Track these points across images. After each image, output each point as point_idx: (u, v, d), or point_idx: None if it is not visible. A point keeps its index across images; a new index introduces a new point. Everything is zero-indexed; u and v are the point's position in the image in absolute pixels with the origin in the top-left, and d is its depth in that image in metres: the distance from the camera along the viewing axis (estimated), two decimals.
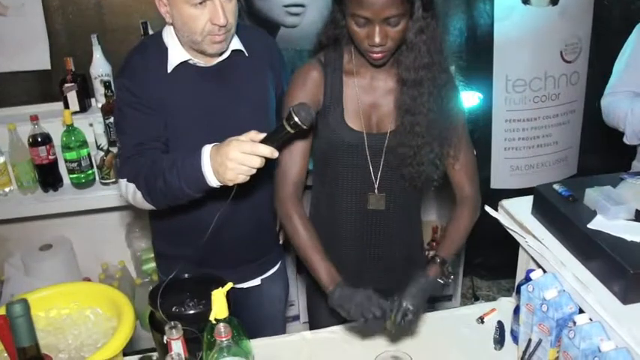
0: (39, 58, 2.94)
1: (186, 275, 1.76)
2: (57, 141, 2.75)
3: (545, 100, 3.31)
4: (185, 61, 1.82)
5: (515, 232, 1.81)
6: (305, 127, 1.50)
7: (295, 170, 1.83)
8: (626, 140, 2.40)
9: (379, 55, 1.69)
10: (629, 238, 1.51)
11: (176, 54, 1.81)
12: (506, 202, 1.90)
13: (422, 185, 1.91)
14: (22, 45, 2.89)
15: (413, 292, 1.76)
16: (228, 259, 2.03)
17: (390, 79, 1.84)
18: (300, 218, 1.82)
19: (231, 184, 1.56)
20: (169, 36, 1.83)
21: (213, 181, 1.59)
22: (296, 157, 1.83)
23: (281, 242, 2.30)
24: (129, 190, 1.78)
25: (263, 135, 1.54)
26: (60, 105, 2.89)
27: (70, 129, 2.69)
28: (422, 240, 2.18)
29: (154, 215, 1.97)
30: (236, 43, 1.87)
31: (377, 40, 1.63)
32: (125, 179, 1.78)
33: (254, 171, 1.54)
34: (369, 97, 1.85)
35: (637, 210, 1.60)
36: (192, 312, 1.60)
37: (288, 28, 3.07)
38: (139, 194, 1.75)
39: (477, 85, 3.21)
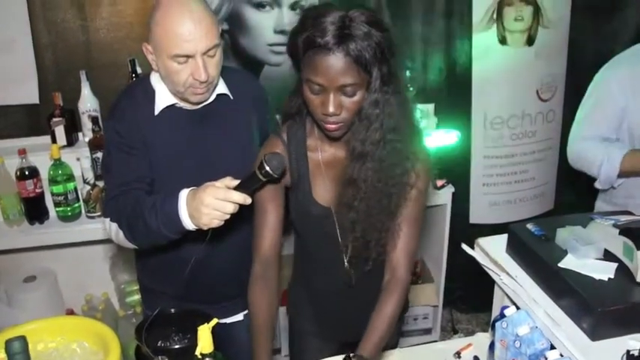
0: (28, 93, 2.97)
1: (172, 310, 1.79)
2: (44, 174, 2.78)
3: (523, 138, 3.39)
4: (172, 105, 1.87)
5: (490, 269, 1.86)
6: (276, 175, 1.55)
7: (264, 247, 1.80)
8: (599, 185, 2.43)
9: (333, 126, 1.60)
10: (597, 276, 1.58)
11: (163, 97, 1.86)
12: (481, 241, 1.95)
13: (368, 260, 1.78)
14: (11, 79, 2.92)
15: None
16: (210, 295, 2.07)
17: (347, 151, 1.72)
18: (260, 299, 1.78)
19: (205, 228, 1.62)
20: (157, 80, 1.87)
21: (189, 225, 1.65)
22: (267, 232, 1.79)
23: None
24: (112, 229, 1.83)
25: (237, 181, 1.59)
26: (48, 139, 2.92)
27: (57, 163, 2.73)
28: None
29: (138, 251, 2.00)
30: (221, 87, 1.91)
31: (330, 109, 1.54)
32: (109, 219, 1.83)
33: (227, 216, 1.59)
34: (333, 171, 1.77)
35: (605, 249, 1.67)
36: (177, 346, 1.63)
37: (273, 67, 3.15)
38: (121, 234, 1.80)
39: (456, 122, 3.27)
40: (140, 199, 1.77)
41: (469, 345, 1.99)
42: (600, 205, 2.58)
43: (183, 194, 1.64)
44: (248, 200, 1.58)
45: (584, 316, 1.51)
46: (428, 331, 3.54)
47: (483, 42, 3.23)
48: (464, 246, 1.95)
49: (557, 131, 3.50)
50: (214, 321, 1.54)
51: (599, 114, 2.42)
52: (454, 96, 3.38)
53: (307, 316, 2.05)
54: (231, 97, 1.95)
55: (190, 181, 1.68)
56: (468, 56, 3.28)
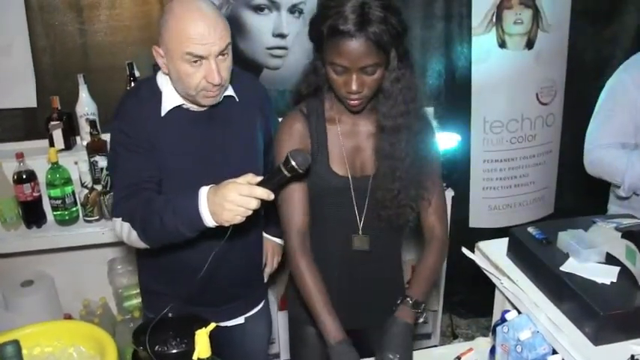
0: (25, 96, 2.96)
1: (169, 315, 1.78)
2: (42, 178, 2.76)
3: (522, 141, 3.39)
4: (178, 106, 1.87)
5: (491, 273, 1.85)
6: (301, 171, 1.57)
7: (297, 220, 1.85)
8: (623, 193, 2.36)
9: (356, 102, 1.75)
10: (599, 280, 1.56)
11: (170, 99, 1.87)
12: (482, 244, 1.94)
13: (400, 226, 1.95)
14: (9, 83, 2.91)
15: (394, 341, 1.75)
16: (216, 297, 2.06)
17: (370, 123, 1.90)
18: (307, 270, 1.82)
19: (227, 224, 1.61)
20: (164, 81, 1.88)
21: (209, 222, 1.63)
22: (296, 206, 1.85)
23: (265, 281, 2.34)
24: (124, 230, 1.81)
25: (260, 178, 1.59)
26: (45, 142, 2.91)
27: (55, 166, 2.71)
28: (403, 280, 2.21)
29: (142, 252, 1.98)
30: (228, 90, 1.92)
31: (354, 87, 1.69)
32: (120, 218, 1.82)
33: (250, 212, 1.59)
34: (351, 142, 1.90)
35: (607, 253, 1.66)
36: (175, 351, 1.62)
37: (271, 70, 3.14)
38: (134, 233, 1.79)
39: (456, 126, 3.27)
40: (153, 198, 1.77)
41: (470, 350, 1.98)
42: (616, 209, 2.51)
43: (204, 191, 1.63)
44: (271, 196, 1.58)
45: (586, 321, 1.49)
46: (427, 336, 3.53)
47: (483, 45, 3.23)
48: (464, 250, 1.94)
49: (557, 135, 3.50)
50: (212, 325, 1.52)
51: (617, 119, 2.37)
52: (453, 100, 3.38)
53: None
54: (237, 99, 1.96)
55: (197, 181, 1.68)
56: (468, 60, 3.27)
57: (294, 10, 3.09)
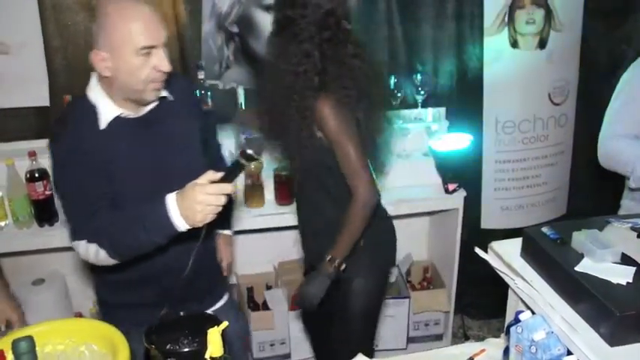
0: (38, 95, 2.98)
1: (181, 313, 1.78)
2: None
3: (534, 142, 3.37)
4: (117, 116, 1.88)
5: (504, 273, 1.83)
6: (258, 157, 1.65)
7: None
8: (633, 184, 2.38)
9: None
10: (615, 280, 1.54)
11: (107, 110, 1.87)
12: (495, 244, 1.93)
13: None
14: (22, 82, 2.93)
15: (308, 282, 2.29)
16: (180, 296, 2.03)
17: None
18: None
19: (201, 224, 1.68)
20: (96, 95, 1.88)
21: (182, 227, 1.69)
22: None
23: (225, 274, 2.39)
24: (90, 251, 1.81)
25: (219, 175, 1.65)
26: None
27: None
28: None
29: (97, 268, 1.97)
30: (162, 91, 1.95)
31: None
32: (84, 241, 1.81)
33: (220, 209, 1.66)
34: None
35: (623, 253, 1.64)
36: (187, 350, 1.62)
37: None
38: (102, 253, 1.79)
39: (468, 126, 3.26)
40: (117, 215, 1.80)
41: (482, 350, 1.97)
42: (628, 204, 2.53)
43: (171, 198, 1.68)
44: (235, 189, 1.67)
45: (602, 321, 1.47)
46: (439, 337, 3.52)
47: (495, 45, 3.22)
48: (477, 250, 1.93)
49: (569, 135, 3.49)
50: (224, 324, 1.53)
51: (629, 111, 2.39)
52: (465, 100, 3.37)
53: None
54: (171, 99, 1.99)
55: (149, 187, 1.76)
56: (480, 60, 3.27)
57: None
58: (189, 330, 1.66)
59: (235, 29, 3.08)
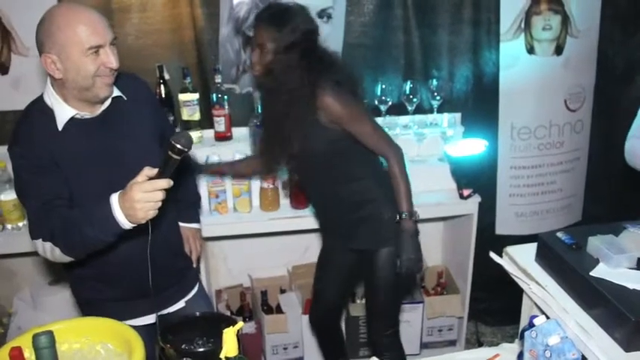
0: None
1: (197, 313, 1.80)
2: None
3: (550, 148, 3.37)
4: (72, 117, 1.92)
5: (519, 278, 1.83)
6: (187, 150, 1.66)
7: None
8: None
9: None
10: (630, 286, 1.54)
11: (63, 111, 1.91)
12: (510, 249, 1.93)
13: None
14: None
15: (408, 245, 2.42)
16: (149, 288, 2.01)
17: None
18: None
19: (144, 221, 1.73)
20: (52, 97, 1.93)
21: (126, 225, 1.75)
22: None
23: (195, 265, 2.43)
24: (46, 249, 1.88)
25: (155, 170, 1.70)
26: None
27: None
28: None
29: (70, 266, 2.04)
30: (115, 91, 2.00)
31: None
32: (40, 239, 1.88)
33: (159, 204, 1.71)
34: None
35: (639, 258, 1.63)
36: (202, 349, 1.63)
37: None
38: (57, 250, 1.86)
39: (483, 132, 3.26)
40: (67, 214, 1.85)
41: (496, 355, 1.96)
42: None
43: (114, 199, 1.73)
44: (171, 183, 1.71)
45: (617, 327, 1.47)
46: (452, 343, 3.51)
47: (511, 51, 3.22)
48: (492, 255, 1.93)
49: (585, 142, 3.47)
50: (240, 324, 1.53)
51: None
52: (481, 105, 3.36)
53: None
54: (125, 99, 2.03)
55: (107, 185, 1.78)
56: (496, 65, 3.26)
57: (322, 14, 3.10)
58: (204, 330, 1.68)
59: (252, 33, 3.09)
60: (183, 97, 2.99)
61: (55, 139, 1.91)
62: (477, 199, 3.18)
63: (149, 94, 2.24)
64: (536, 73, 3.26)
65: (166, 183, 1.69)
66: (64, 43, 1.81)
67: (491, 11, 3.21)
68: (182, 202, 2.36)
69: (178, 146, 1.64)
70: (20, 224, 2.82)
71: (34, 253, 2.88)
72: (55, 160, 1.90)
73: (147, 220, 1.73)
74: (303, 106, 2.29)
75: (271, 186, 2.96)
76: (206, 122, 3.11)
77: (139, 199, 1.67)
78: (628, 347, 1.44)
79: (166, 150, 1.67)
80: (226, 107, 3.04)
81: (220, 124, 3.06)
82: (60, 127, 1.91)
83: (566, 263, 1.68)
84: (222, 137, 3.08)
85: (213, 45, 3.07)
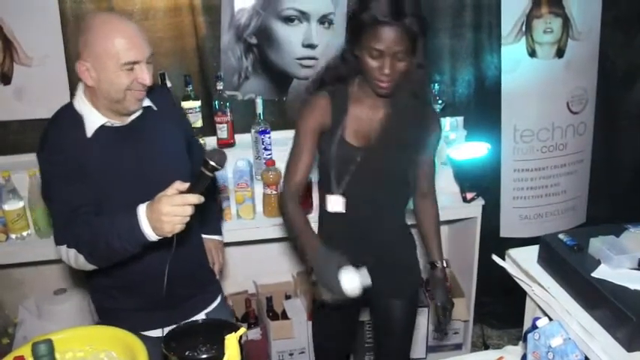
0: (60, 107, 2.99)
1: (199, 320, 1.80)
2: None
3: (553, 150, 3.36)
4: (102, 125, 1.92)
5: (521, 280, 1.83)
6: (221, 168, 1.66)
7: (298, 178, 2.17)
8: None
9: (386, 84, 2.00)
10: (632, 286, 1.54)
11: (93, 119, 1.91)
12: (512, 251, 1.93)
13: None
14: (44, 94, 2.96)
15: (444, 295, 2.36)
16: (171, 300, 2.04)
17: (386, 105, 2.16)
18: (294, 208, 2.16)
19: (170, 235, 1.72)
20: (82, 103, 1.92)
21: (152, 237, 1.73)
22: (301, 167, 2.16)
23: (217, 277, 2.43)
24: (70, 256, 1.87)
25: (187, 185, 1.69)
26: None
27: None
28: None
29: (92, 274, 2.02)
30: (146, 100, 1.99)
31: (386, 70, 1.95)
32: (65, 245, 1.87)
33: (188, 219, 1.70)
34: (368, 120, 2.16)
35: None
36: (205, 356, 1.63)
37: (301, 80, 3.16)
38: (81, 258, 1.84)
39: (486, 135, 3.26)
40: (94, 222, 1.83)
41: (500, 358, 1.96)
42: None
43: (142, 210, 1.72)
44: (201, 199, 1.70)
45: (619, 327, 1.47)
46: (458, 347, 3.51)
47: (513, 54, 3.22)
48: (494, 257, 1.93)
49: (588, 144, 3.47)
50: (242, 330, 1.54)
51: None
52: (484, 109, 3.37)
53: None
54: (155, 109, 2.03)
55: (134, 194, 1.77)
56: (498, 69, 3.27)
57: (324, 20, 3.11)
58: (207, 336, 1.68)
59: (254, 40, 3.11)
60: (185, 104, 3.00)
61: (84, 146, 1.90)
62: (480, 202, 3.18)
63: (175, 105, 2.25)
64: (538, 76, 3.26)
65: (197, 199, 1.68)
66: (100, 53, 1.80)
67: (492, 15, 3.21)
68: (205, 213, 2.30)
69: (212, 163, 1.64)
70: (24, 234, 2.84)
71: (39, 263, 2.94)
72: (82, 167, 1.89)
73: (173, 233, 1.71)
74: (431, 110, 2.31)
75: (274, 192, 2.97)
76: (208, 129, 3.12)
77: (168, 212, 1.66)
78: (630, 347, 1.44)
79: (199, 166, 1.66)
80: (229, 114, 3.05)
81: (223, 131, 3.07)
82: (89, 135, 1.91)
83: (568, 265, 1.68)
84: (225, 144, 3.09)
85: (215, 52, 3.09)
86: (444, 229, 3.60)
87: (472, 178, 3.14)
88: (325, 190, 2.26)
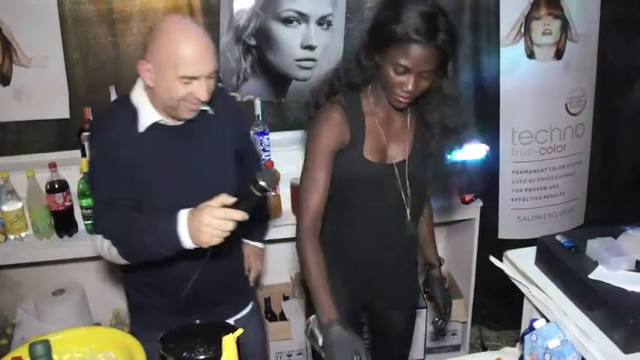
0: (59, 108, 3.02)
1: (197, 321, 1.79)
2: (73, 188, 2.81)
3: (552, 152, 3.36)
4: (156, 122, 1.90)
5: (519, 282, 1.84)
6: (270, 189, 1.64)
7: (316, 203, 1.94)
8: None
9: (407, 100, 1.89)
10: (629, 288, 1.54)
11: (147, 115, 1.89)
12: (510, 253, 1.93)
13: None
14: (43, 95, 2.97)
15: (444, 293, 2.35)
16: (202, 305, 2.06)
17: (402, 116, 2.06)
18: (312, 250, 1.92)
19: (206, 246, 1.68)
20: (139, 98, 1.90)
21: (188, 244, 1.69)
22: (318, 190, 1.94)
23: (252, 284, 2.41)
24: (104, 246, 1.86)
25: (233, 199, 1.65)
26: (77, 153, 2.94)
27: (87, 176, 2.75)
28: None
29: (128, 268, 2.01)
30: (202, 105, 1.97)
31: (411, 88, 1.83)
32: (101, 235, 1.86)
33: (227, 234, 1.66)
34: (386, 133, 2.03)
35: (637, 261, 1.63)
36: (202, 357, 1.63)
37: (300, 81, 3.16)
38: (114, 251, 1.83)
39: (485, 136, 3.25)
40: (132, 217, 1.82)
41: (498, 359, 1.96)
42: None
43: (183, 214, 1.69)
44: (246, 216, 1.66)
45: (616, 329, 1.47)
46: (457, 348, 3.51)
47: (511, 56, 3.22)
48: (492, 258, 1.93)
49: (586, 145, 3.47)
50: (239, 331, 1.54)
51: None
52: (482, 110, 3.36)
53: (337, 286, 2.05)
54: (211, 113, 2.00)
55: (176, 195, 1.77)
56: (496, 70, 3.26)
57: (322, 22, 3.12)
58: (204, 337, 1.68)
59: (253, 42, 3.11)
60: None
61: (134, 140, 1.89)
62: (478, 203, 3.18)
63: (235, 111, 2.19)
64: (536, 77, 3.26)
65: (240, 216, 1.65)
66: (162, 59, 1.77)
67: (490, 16, 3.22)
68: (252, 220, 2.13)
69: (262, 184, 1.61)
70: (23, 235, 2.84)
71: (38, 263, 2.94)
72: (129, 161, 1.87)
73: (209, 245, 1.68)
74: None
75: (273, 193, 2.97)
76: None
77: (208, 223, 1.63)
78: (627, 349, 1.44)
79: (249, 185, 1.64)
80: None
81: None
82: (141, 130, 1.89)
83: (566, 266, 1.68)
84: None
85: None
86: (443, 231, 3.61)
87: (470, 180, 3.13)
88: (340, 211, 2.09)
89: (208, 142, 2.01)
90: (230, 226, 1.64)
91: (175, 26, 1.79)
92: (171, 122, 1.93)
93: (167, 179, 1.93)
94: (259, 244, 2.46)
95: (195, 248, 1.71)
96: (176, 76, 1.77)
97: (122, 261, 1.87)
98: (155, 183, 1.92)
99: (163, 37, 1.78)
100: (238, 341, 1.52)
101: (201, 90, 1.80)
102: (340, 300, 1.93)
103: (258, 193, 1.63)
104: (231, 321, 2.19)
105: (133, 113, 1.90)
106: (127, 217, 1.81)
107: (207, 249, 1.69)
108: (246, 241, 2.39)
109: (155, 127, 1.90)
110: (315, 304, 1.89)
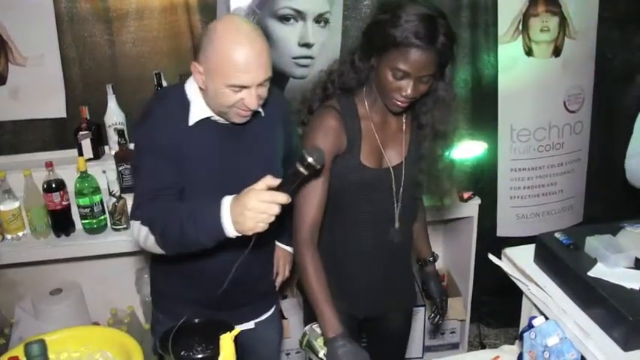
0: (55, 107, 3.01)
1: (195, 320, 1.78)
2: (70, 187, 2.80)
3: (550, 150, 3.36)
4: (207, 117, 1.88)
5: (517, 279, 1.83)
6: (318, 167, 1.56)
7: (312, 213, 1.90)
8: None
9: (404, 105, 1.87)
10: (628, 285, 1.54)
11: (199, 109, 1.87)
12: (509, 251, 1.93)
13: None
14: (39, 94, 2.96)
15: (438, 288, 2.38)
16: (229, 303, 2.05)
17: (398, 119, 2.03)
18: (312, 262, 1.89)
19: (250, 233, 1.58)
20: (193, 91, 1.88)
21: (230, 232, 1.60)
22: (313, 200, 1.90)
23: (277, 289, 2.37)
24: (141, 233, 1.79)
25: (278, 180, 1.57)
26: (74, 152, 2.95)
27: (84, 175, 2.75)
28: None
29: (158, 258, 1.95)
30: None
31: (409, 92, 1.80)
32: (139, 222, 1.80)
33: (273, 218, 1.56)
34: (382, 137, 2.00)
35: (636, 258, 1.63)
36: (200, 356, 1.62)
37: (297, 79, 3.15)
38: (151, 238, 1.76)
39: (483, 134, 3.25)
40: (174, 206, 1.76)
41: (496, 357, 1.95)
42: None
43: (227, 201, 1.61)
44: (289, 199, 1.57)
45: (615, 326, 1.47)
46: (455, 346, 3.50)
47: (509, 53, 3.21)
48: (490, 256, 1.93)
49: (585, 143, 3.46)
50: (237, 330, 1.54)
51: None
52: (480, 108, 3.36)
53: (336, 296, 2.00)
54: (263, 114, 1.97)
55: (219, 192, 1.66)
56: (494, 68, 3.26)
57: (319, 19, 3.10)
58: (203, 336, 1.67)
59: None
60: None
61: (183, 132, 1.86)
62: (477, 201, 3.18)
63: (287, 114, 2.12)
64: (534, 74, 3.25)
65: (285, 198, 1.55)
66: (214, 64, 1.74)
67: (488, 13, 3.21)
68: (286, 221, 2.01)
69: (310, 160, 1.53)
70: (20, 234, 2.83)
71: (35, 263, 2.93)
72: (176, 152, 1.85)
73: (253, 232, 1.58)
74: None
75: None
76: None
77: (253, 207, 1.53)
78: (626, 346, 1.44)
79: (296, 162, 1.57)
80: None
81: None
82: (191, 123, 1.87)
83: (564, 264, 1.68)
84: None
85: None
86: (441, 229, 3.61)
87: (469, 178, 3.13)
88: (336, 217, 2.05)
89: (257, 144, 1.98)
90: (276, 209, 1.54)
91: (227, 31, 1.75)
92: (221, 120, 1.91)
93: (210, 175, 1.91)
94: (289, 249, 2.38)
95: (235, 240, 1.63)
96: (225, 84, 1.74)
97: (158, 250, 1.80)
98: (198, 178, 1.90)
99: (214, 42, 1.74)
100: (236, 340, 1.51)
101: (251, 99, 1.77)
102: (341, 311, 1.90)
103: (305, 172, 1.55)
104: (251, 324, 2.21)
105: (185, 105, 1.88)
106: (168, 206, 1.77)
107: (250, 237, 1.61)
108: (278, 243, 2.36)
109: (205, 122, 1.89)
110: (318, 317, 1.86)
